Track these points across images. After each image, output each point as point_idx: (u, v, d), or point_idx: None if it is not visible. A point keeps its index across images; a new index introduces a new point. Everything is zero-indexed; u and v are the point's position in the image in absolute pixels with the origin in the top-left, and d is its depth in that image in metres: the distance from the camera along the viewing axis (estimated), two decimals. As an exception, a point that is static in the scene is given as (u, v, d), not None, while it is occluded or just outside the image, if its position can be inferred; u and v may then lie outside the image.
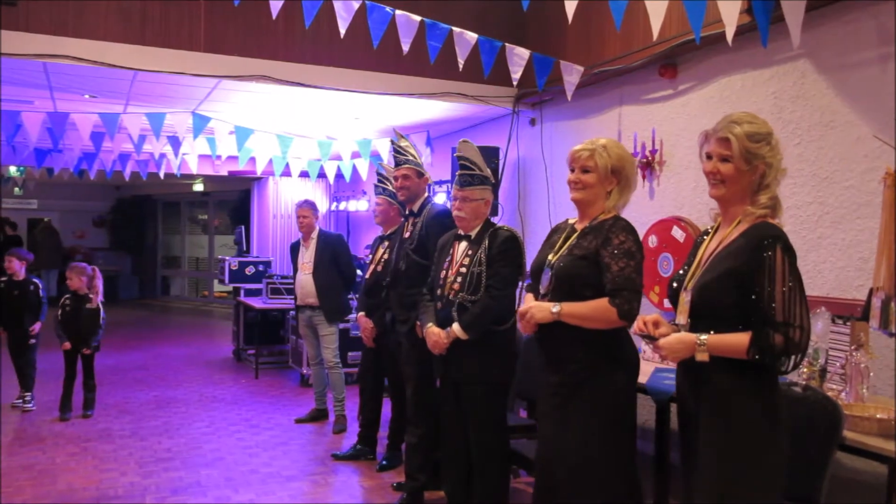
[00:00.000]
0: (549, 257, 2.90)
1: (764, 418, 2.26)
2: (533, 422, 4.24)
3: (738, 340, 2.22)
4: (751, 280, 2.21)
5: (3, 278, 6.49)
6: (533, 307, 2.83)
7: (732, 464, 2.25)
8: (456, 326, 3.53)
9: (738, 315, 2.24)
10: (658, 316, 2.49)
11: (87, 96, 6.15)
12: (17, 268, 6.41)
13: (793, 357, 2.21)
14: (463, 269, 3.61)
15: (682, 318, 2.41)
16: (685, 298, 2.39)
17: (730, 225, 2.38)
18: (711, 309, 2.31)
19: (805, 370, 3.14)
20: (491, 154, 6.20)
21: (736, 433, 2.26)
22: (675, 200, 4.74)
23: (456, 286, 3.60)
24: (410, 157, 4.46)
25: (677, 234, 4.57)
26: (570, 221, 3.00)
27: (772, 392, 2.28)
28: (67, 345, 6.15)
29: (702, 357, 2.27)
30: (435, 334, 3.62)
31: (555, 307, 2.76)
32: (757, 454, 2.24)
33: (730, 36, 3.55)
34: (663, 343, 2.35)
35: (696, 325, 2.34)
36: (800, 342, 2.17)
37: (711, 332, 2.27)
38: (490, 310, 3.51)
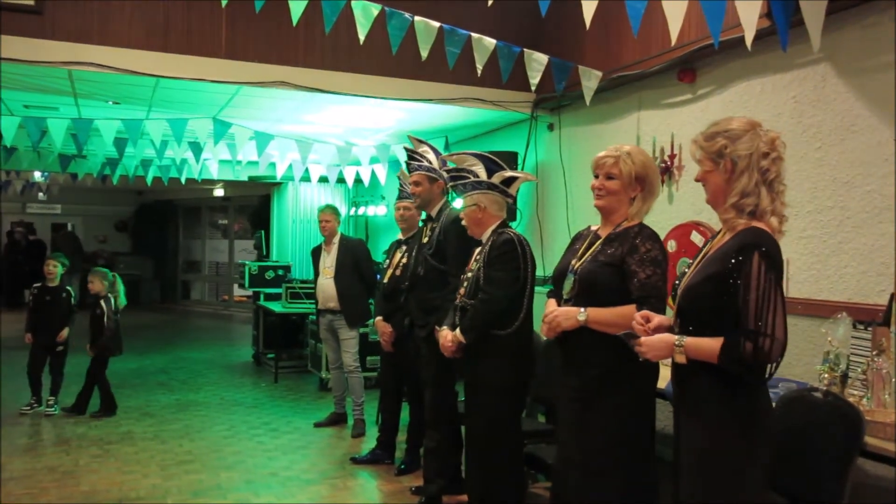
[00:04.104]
0: (573, 263, 2.91)
1: (738, 424, 2.23)
2: (551, 427, 4.25)
3: (712, 345, 2.21)
4: (729, 286, 2.20)
5: (37, 284, 6.60)
6: (559, 313, 2.83)
7: (705, 467, 2.25)
8: (458, 329, 3.59)
9: (719, 320, 2.23)
10: (647, 311, 2.50)
11: (110, 102, 6.23)
12: (54, 273, 6.53)
13: (767, 366, 2.16)
14: (470, 274, 3.66)
15: (673, 320, 2.44)
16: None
17: (724, 228, 2.41)
18: (693, 312, 2.32)
19: (826, 376, 3.11)
20: (509, 159, 6.20)
21: (708, 437, 2.26)
22: (693, 205, 4.72)
23: (462, 290, 3.66)
24: (424, 163, 4.48)
25: (696, 238, 4.55)
26: (593, 228, 3.01)
27: (750, 398, 2.24)
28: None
29: (679, 359, 2.28)
30: (442, 336, 3.69)
31: (581, 314, 2.76)
32: (729, 459, 2.22)
33: (749, 40, 3.54)
34: (644, 341, 2.37)
35: (682, 328, 2.36)
36: (770, 352, 2.13)
37: (692, 335, 2.28)
38: (482, 313, 3.52)
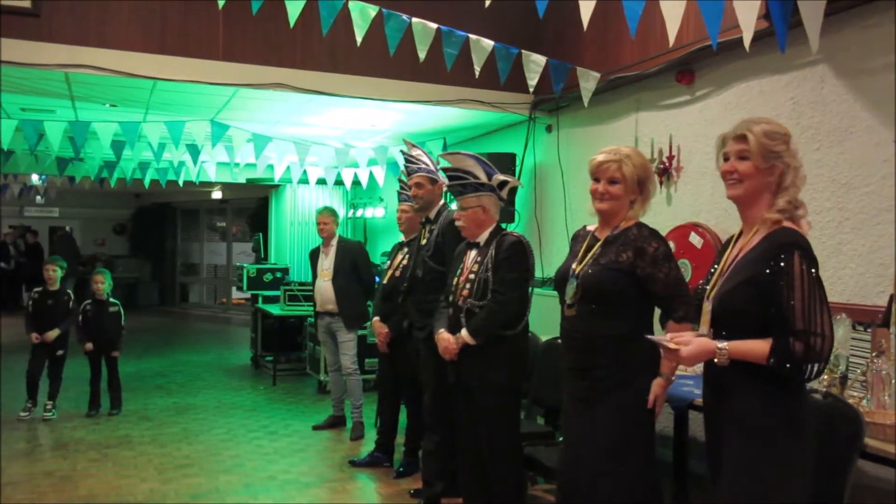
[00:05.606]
0: (574, 266, 2.90)
1: (783, 429, 2.22)
2: (550, 429, 4.24)
3: (759, 347, 2.19)
4: (769, 288, 2.18)
5: (38, 289, 6.59)
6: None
7: (751, 474, 2.23)
8: (464, 332, 3.59)
9: (759, 324, 2.21)
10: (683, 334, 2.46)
11: (107, 105, 6.22)
12: (54, 277, 6.53)
13: (814, 365, 2.16)
14: (472, 276, 3.66)
15: (704, 328, 2.39)
16: (707, 308, 2.38)
17: (749, 231, 2.36)
18: (731, 318, 2.29)
19: (826, 377, 3.10)
20: (507, 161, 6.20)
21: (754, 443, 2.23)
22: (692, 206, 4.72)
23: (465, 292, 3.65)
24: (423, 165, 4.47)
25: (695, 240, 4.55)
26: (589, 229, 3.00)
27: (794, 402, 2.24)
28: (90, 346, 6.43)
29: (722, 361, 2.25)
30: (445, 340, 3.68)
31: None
32: (775, 465, 2.21)
33: (747, 42, 3.52)
34: (685, 352, 2.29)
35: (717, 335, 2.32)
36: (821, 350, 2.13)
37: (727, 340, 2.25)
38: (496, 314, 3.54)
